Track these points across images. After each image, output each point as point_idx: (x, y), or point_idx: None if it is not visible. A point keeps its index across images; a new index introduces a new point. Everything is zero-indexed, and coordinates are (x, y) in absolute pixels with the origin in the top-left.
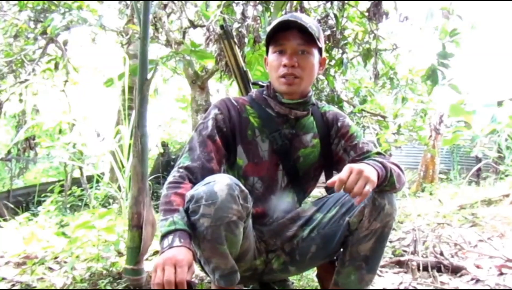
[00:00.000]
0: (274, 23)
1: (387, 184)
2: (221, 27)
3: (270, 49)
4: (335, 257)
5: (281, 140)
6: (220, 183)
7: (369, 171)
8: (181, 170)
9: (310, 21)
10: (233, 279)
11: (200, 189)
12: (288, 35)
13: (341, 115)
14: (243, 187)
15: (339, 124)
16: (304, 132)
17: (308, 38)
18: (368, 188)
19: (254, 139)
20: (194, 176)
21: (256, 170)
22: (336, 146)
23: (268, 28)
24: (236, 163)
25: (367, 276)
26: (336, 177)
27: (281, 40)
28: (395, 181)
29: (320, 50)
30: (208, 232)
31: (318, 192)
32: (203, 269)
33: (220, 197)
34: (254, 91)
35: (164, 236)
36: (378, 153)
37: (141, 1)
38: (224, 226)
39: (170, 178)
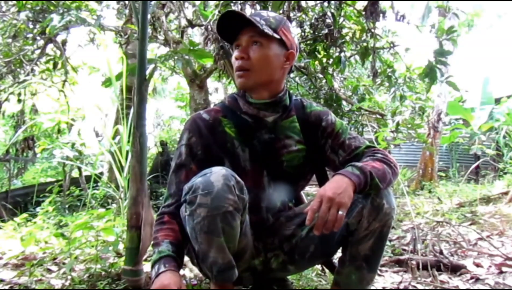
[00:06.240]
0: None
1: (369, 189)
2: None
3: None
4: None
5: (261, 147)
6: (216, 173)
7: (341, 194)
8: (164, 209)
9: (271, 15)
10: (231, 275)
11: (197, 180)
12: (244, 29)
13: (324, 113)
14: (239, 179)
15: (323, 124)
16: (286, 135)
17: (263, 30)
18: (342, 213)
19: (235, 150)
20: (176, 209)
21: (242, 181)
22: (324, 147)
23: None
24: None
25: (368, 276)
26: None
27: (238, 35)
28: (378, 183)
29: (284, 43)
30: (204, 223)
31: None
32: (201, 269)
33: (216, 187)
34: (228, 96)
35: (152, 267)
36: (368, 147)
37: (139, 1)
38: (221, 217)
39: (157, 216)
